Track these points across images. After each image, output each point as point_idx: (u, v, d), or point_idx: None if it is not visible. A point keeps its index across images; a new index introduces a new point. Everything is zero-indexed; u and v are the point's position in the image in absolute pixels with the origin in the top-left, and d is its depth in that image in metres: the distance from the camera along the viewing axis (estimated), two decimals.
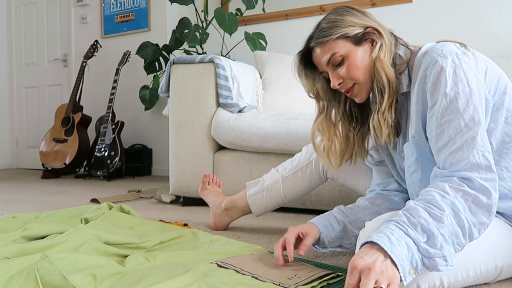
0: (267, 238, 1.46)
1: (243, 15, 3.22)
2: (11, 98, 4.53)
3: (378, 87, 1.00)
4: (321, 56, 1.05)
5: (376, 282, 0.73)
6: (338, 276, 1.03)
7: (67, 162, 3.48)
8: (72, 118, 3.59)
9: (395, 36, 1.07)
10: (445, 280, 0.85)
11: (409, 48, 1.04)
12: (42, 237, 1.29)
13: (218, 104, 2.12)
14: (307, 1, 3.14)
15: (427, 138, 0.96)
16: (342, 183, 1.43)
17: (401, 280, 0.75)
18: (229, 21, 2.94)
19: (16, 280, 0.89)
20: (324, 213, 1.21)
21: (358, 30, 1.02)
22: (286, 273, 1.03)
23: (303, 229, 1.14)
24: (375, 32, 1.03)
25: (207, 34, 3.09)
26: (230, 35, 2.98)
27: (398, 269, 0.74)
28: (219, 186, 1.69)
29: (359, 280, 0.73)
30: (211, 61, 2.10)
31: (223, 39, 3.17)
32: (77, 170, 3.64)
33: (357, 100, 1.07)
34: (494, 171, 0.85)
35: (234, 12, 3.14)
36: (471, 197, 0.82)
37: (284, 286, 0.95)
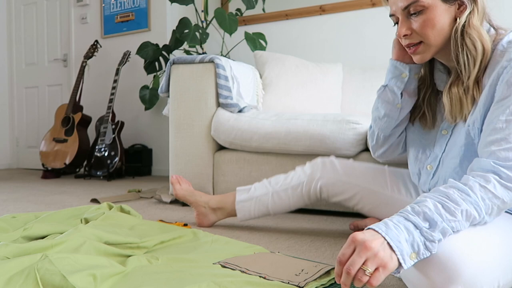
0: (267, 238, 1.47)
1: (243, 15, 3.22)
2: (11, 98, 4.53)
3: (468, 57, 0.92)
4: None
5: (364, 263, 0.72)
6: None
7: (67, 162, 3.47)
8: (72, 118, 3.59)
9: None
10: (501, 282, 0.80)
11: (494, 29, 0.97)
12: (42, 237, 1.28)
13: (218, 104, 2.12)
14: (307, 1, 3.14)
15: (479, 133, 0.91)
16: (336, 203, 1.44)
17: (400, 264, 0.73)
18: (229, 21, 2.94)
19: (16, 280, 0.89)
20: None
21: None
22: (293, 270, 1.03)
23: None
24: None
25: (207, 34, 3.09)
26: (230, 35, 2.98)
27: (395, 252, 0.73)
28: (189, 185, 1.72)
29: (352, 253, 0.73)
30: (211, 61, 2.10)
31: (223, 39, 3.17)
32: (77, 170, 3.64)
33: (416, 59, 1.00)
34: None
35: (234, 12, 3.14)
36: (499, 201, 0.80)
37: (294, 284, 0.95)
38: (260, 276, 0.99)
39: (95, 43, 3.77)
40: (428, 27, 0.94)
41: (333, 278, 1.00)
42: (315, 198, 1.45)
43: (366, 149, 1.85)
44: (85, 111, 3.70)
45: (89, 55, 3.72)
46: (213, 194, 2.10)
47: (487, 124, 0.89)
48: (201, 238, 1.38)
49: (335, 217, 1.82)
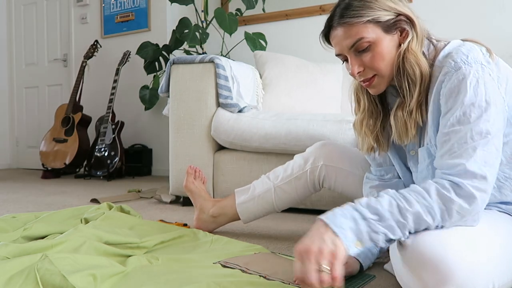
0: (267, 238, 1.47)
1: (243, 15, 3.22)
2: (11, 98, 4.53)
3: (409, 82, 0.93)
4: (344, 38, 0.94)
5: (318, 264, 0.74)
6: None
7: (67, 162, 3.47)
8: (72, 118, 3.59)
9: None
10: (496, 283, 0.80)
11: (432, 43, 0.97)
12: (42, 237, 1.29)
13: (218, 104, 2.12)
14: (307, 1, 3.14)
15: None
16: (340, 192, 1.41)
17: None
18: (229, 21, 2.94)
19: (16, 280, 0.89)
20: None
21: (390, 16, 0.93)
22: (293, 270, 1.03)
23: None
24: (408, 20, 0.94)
25: (207, 34, 3.09)
26: (230, 35, 2.98)
27: (339, 237, 0.76)
28: (203, 183, 1.61)
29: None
30: (211, 61, 2.10)
31: (223, 39, 3.17)
32: (77, 170, 3.64)
33: (372, 91, 1.00)
34: (488, 183, 0.82)
35: (234, 12, 3.14)
36: (456, 206, 0.81)
37: (294, 284, 0.95)
38: (260, 276, 0.99)
39: (95, 43, 3.77)
40: (378, 60, 0.94)
41: None
42: (321, 186, 1.39)
43: None
44: (85, 111, 3.70)
45: (89, 55, 3.73)
46: (213, 194, 2.10)
47: (437, 138, 0.90)
48: (201, 238, 1.38)
49: None
